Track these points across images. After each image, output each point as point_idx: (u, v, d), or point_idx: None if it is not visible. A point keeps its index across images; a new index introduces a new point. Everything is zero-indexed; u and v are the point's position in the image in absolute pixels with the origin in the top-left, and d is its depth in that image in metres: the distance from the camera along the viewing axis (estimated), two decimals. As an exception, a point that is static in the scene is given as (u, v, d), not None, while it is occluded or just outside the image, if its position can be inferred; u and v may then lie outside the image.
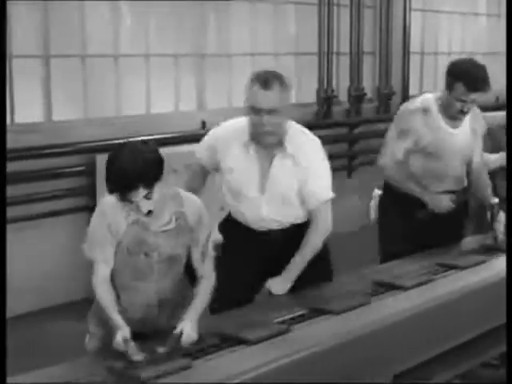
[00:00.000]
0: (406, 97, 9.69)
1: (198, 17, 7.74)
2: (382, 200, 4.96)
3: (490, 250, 4.66)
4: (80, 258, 3.48)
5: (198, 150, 4.19)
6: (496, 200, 4.85)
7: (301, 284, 3.89)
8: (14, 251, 6.20)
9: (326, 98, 8.85)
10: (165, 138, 7.21)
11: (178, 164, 6.84)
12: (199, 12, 7.74)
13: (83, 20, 6.87)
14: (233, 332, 3.25)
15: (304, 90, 8.89)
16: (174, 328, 3.15)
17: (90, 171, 6.58)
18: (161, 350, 3.03)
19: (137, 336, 3.10)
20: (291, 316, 3.52)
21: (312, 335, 3.36)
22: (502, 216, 4.78)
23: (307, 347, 3.21)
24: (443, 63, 10.62)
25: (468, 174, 4.90)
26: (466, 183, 4.91)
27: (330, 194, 3.98)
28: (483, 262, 4.43)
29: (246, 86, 3.78)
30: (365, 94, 9.26)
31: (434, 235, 4.78)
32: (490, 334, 4.08)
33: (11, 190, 6.14)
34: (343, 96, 9.16)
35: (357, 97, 9.18)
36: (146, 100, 7.42)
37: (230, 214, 4.23)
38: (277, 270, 3.91)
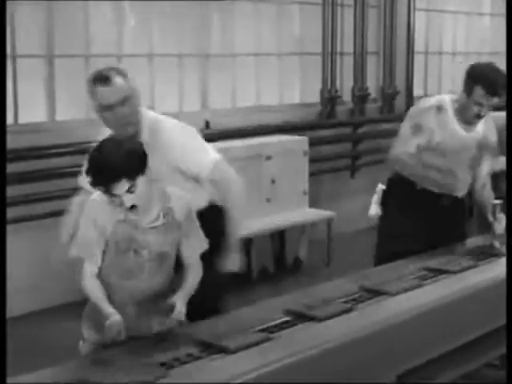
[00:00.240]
0: (410, 97, 9.70)
1: (201, 17, 7.74)
2: (386, 195, 4.92)
3: (486, 254, 4.62)
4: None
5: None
6: (497, 201, 4.83)
7: None
8: (17, 251, 6.21)
9: (330, 98, 8.85)
10: (168, 138, 7.22)
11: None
12: (203, 12, 7.74)
13: (87, 20, 6.87)
14: (212, 340, 3.20)
15: (308, 89, 8.89)
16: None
17: (94, 171, 6.57)
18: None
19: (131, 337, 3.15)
20: (282, 320, 3.49)
21: (314, 335, 3.35)
22: (502, 218, 4.77)
23: (308, 347, 3.20)
24: (447, 63, 10.69)
25: (474, 178, 4.89)
26: (470, 183, 4.90)
27: (214, 156, 3.96)
28: (475, 266, 4.40)
29: (87, 88, 3.73)
30: (369, 94, 9.25)
31: (436, 234, 4.77)
32: (493, 335, 4.07)
33: (15, 190, 6.16)
34: (347, 96, 9.16)
35: (361, 97, 9.18)
36: (149, 100, 7.42)
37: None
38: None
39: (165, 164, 3.72)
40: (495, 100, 4.51)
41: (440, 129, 4.60)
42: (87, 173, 3.12)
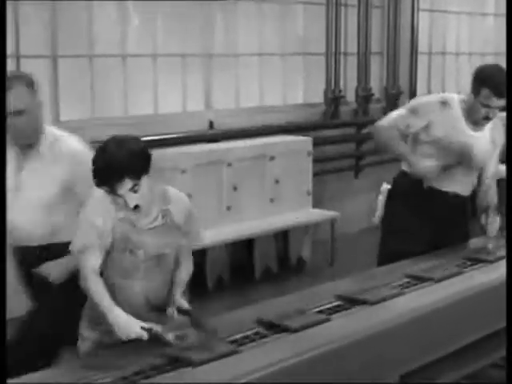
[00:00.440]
0: (413, 97, 9.68)
1: (205, 17, 7.75)
2: (391, 195, 4.91)
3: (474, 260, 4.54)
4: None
5: None
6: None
7: None
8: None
9: (334, 99, 8.85)
10: (172, 138, 7.23)
11: (186, 164, 6.88)
12: (206, 12, 7.75)
13: (91, 20, 6.88)
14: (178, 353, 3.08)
15: (311, 90, 8.89)
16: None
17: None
18: (170, 337, 3.09)
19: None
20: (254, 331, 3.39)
21: (316, 335, 3.35)
22: (495, 220, 4.77)
23: (314, 347, 3.21)
24: (451, 63, 10.69)
25: (478, 182, 4.88)
26: (475, 184, 4.89)
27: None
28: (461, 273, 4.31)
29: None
30: (372, 95, 9.25)
31: (440, 235, 4.77)
32: (497, 335, 4.07)
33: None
34: (351, 96, 9.16)
35: (364, 97, 9.18)
36: (153, 100, 7.43)
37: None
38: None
39: (55, 179, 3.68)
40: (502, 102, 4.51)
41: (444, 125, 4.60)
42: (92, 173, 3.13)
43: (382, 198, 4.91)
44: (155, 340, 3.09)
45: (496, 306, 3.96)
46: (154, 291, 3.35)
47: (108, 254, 3.28)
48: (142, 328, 3.09)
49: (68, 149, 3.81)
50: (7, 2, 5.81)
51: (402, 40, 9.60)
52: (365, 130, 9.19)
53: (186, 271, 3.45)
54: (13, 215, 3.64)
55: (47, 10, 6.56)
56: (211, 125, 7.72)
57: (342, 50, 8.92)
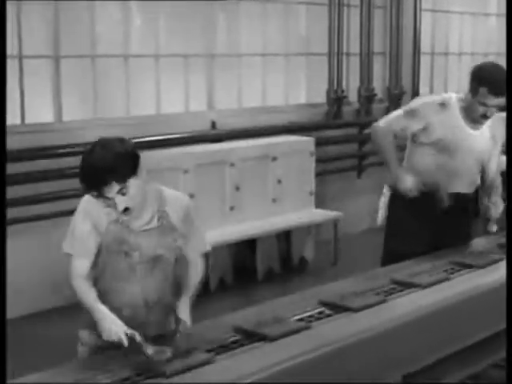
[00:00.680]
0: (416, 97, 9.66)
1: (207, 17, 7.75)
2: (393, 197, 4.91)
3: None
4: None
5: None
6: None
7: None
8: (25, 250, 6.23)
9: (336, 99, 8.85)
10: (174, 138, 7.23)
11: (188, 164, 6.87)
12: (209, 12, 7.75)
13: (93, 20, 6.89)
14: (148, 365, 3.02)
15: (314, 90, 8.89)
16: (166, 329, 3.20)
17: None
18: (150, 350, 3.00)
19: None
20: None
21: (318, 335, 3.35)
22: (499, 202, 4.77)
23: (320, 345, 3.21)
24: (454, 63, 10.68)
25: (481, 179, 4.88)
26: (477, 185, 4.89)
27: None
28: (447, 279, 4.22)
29: None
30: (375, 95, 9.25)
31: (444, 236, 4.77)
32: (501, 335, 4.06)
33: (22, 190, 6.17)
34: (353, 96, 9.15)
35: (367, 97, 9.17)
36: (155, 100, 7.43)
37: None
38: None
39: None
40: (500, 100, 4.50)
41: (443, 125, 4.59)
42: (79, 178, 3.10)
43: (384, 201, 4.92)
44: (135, 349, 3.02)
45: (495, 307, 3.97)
46: (152, 293, 3.30)
47: (103, 256, 3.24)
48: (126, 334, 3.03)
49: None
50: (10, 2, 5.83)
51: (405, 40, 9.59)
52: (367, 131, 9.20)
53: (193, 278, 3.40)
54: None
55: (50, 10, 6.56)
56: (214, 125, 7.72)
57: (345, 50, 8.92)
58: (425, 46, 10.09)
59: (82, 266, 3.23)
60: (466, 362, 3.99)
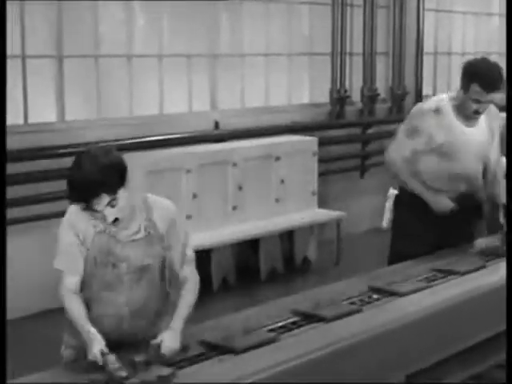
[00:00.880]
0: (419, 97, 9.68)
1: (210, 17, 7.75)
2: (398, 200, 4.91)
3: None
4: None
5: None
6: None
7: None
8: (27, 250, 6.23)
9: (339, 99, 8.84)
10: (178, 138, 7.24)
11: (191, 164, 6.88)
12: (212, 12, 7.75)
13: (96, 20, 6.89)
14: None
15: (317, 90, 8.89)
16: (154, 337, 3.10)
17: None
18: (138, 358, 2.97)
19: (111, 345, 3.03)
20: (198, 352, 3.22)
21: (320, 335, 3.35)
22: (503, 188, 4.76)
23: (320, 347, 3.21)
24: (457, 63, 10.67)
25: (484, 173, 4.88)
26: (480, 183, 4.88)
27: None
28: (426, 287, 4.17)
29: None
30: (378, 95, 9.24)
31: (448, 237, 4.77)
32: (503, 336, 4.06)
33: (24, 190, 6.18)
34: (356, 96, 9.15)
35: (370, 97, 9.17)
36: (158, 100, 7.43)
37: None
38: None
39: None
40: (492, 96, 4.49)
41: (440, 130, 4.59)
42: (67, 189, 3.06)
43: (389, 203, 4.93)
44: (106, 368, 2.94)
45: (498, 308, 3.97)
46: (138, 303, 3.26)
47: (90, 267, 3.20)
48: (101, 352, 2.96)
49: None
50: (13, 2, 5.84)
51: (408, 40, 9.59)
52: (370, 130, 9.20)
53: (186, 297, 3.29)
54: None
55: (53, 10, 6.57)
56: (217, 125, 7.72)
57: (348, 50, 8.91)
58: (428, 45, 10.07)
59: (71, 282, 3.19)
60: (469, 362, 4.00)
